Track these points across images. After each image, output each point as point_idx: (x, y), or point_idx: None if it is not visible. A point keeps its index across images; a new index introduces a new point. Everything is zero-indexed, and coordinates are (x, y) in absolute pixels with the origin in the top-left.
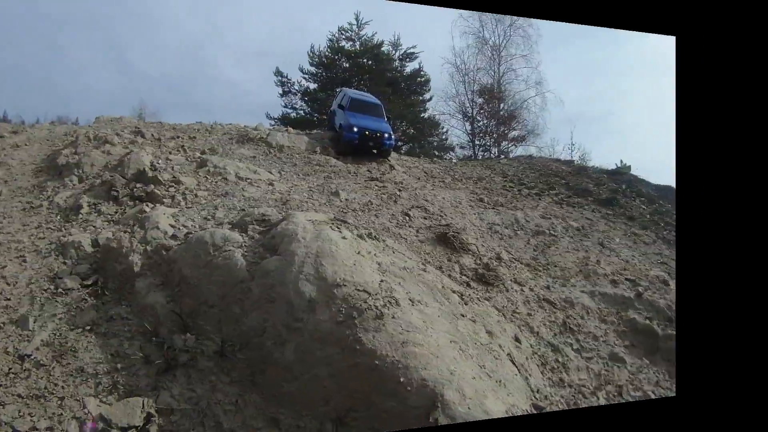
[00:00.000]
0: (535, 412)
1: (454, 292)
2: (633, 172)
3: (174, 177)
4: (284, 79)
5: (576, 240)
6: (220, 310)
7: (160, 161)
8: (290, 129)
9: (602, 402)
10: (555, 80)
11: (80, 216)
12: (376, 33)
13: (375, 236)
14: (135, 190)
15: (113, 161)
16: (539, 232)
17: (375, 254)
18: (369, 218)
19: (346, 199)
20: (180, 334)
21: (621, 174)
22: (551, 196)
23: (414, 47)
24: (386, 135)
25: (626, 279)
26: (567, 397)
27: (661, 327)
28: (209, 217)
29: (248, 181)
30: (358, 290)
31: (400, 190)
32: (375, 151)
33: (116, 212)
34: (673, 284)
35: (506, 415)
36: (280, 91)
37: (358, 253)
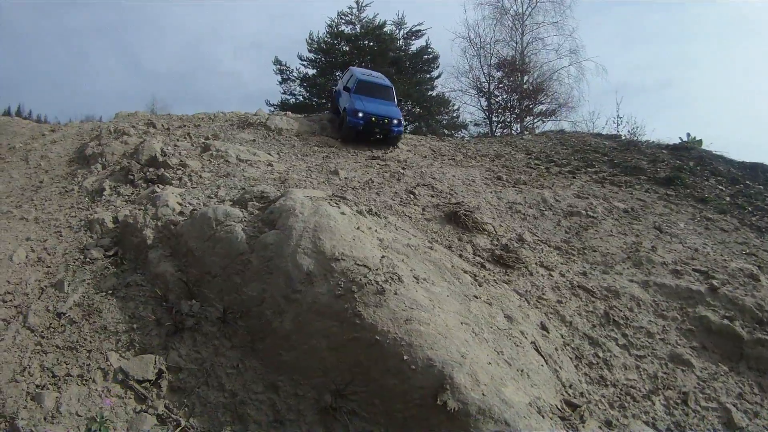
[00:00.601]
0: (567, 408)
1: (465, 272)
2: (708, 148)
3: (181, 161)
4: (283, 67)
5: (623, 223)
6: (223, 279)
7: (169, 148)
8: (289, 113)
9: (659, 408)
10: (596, 48)
11: (103, 197)
12: (377, 14)
13: (376, 212)
14: (148, 173)
15: (130, 150)
16: (573, 213)
17: (376, 230)
18: (370, 196)
19: (346, 178)
20: (186, 300)
21: (688, 149)
22: (589, 175)
23: (420, 24)
24: (395, 121)
25: (694, 270)
26: (610, 397)
27: (748, 330)
28: (212, 195)
29: (248, 162)
30: (358, 265)
31: (404, 168)
32: (381, 137)
33: (132, 193)
34: (765, 279)
35: (530, 408)
36: (279, 79)
37: (358, 228)
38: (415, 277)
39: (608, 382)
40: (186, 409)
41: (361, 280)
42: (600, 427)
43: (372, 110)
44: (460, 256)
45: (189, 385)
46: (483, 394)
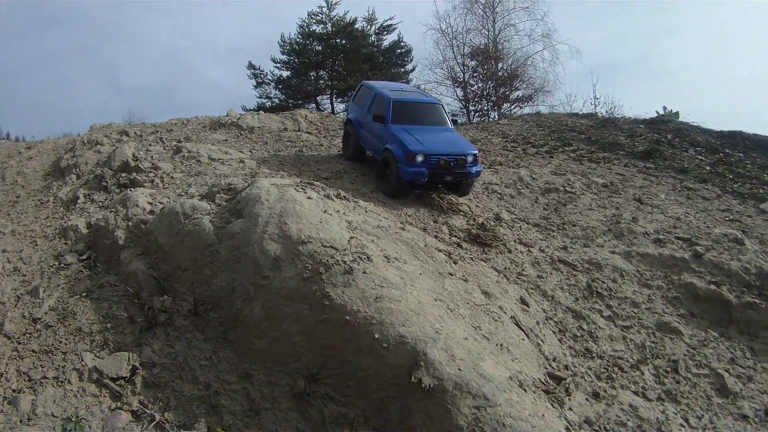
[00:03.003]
0: (551, 382)
1: (440, 251)
2: (685, 119)
3: (153, 164)
4: (257, 71)
5: (602, 197)
6: (193, 272)
7: (141, 152)
8: (261, 112)
9: (648, 377)
10: (570, 29)
11: (78, 205)
12: (348, 11)
13: (344, 197)
14: (120, 179)
15: (103, 158)
16: (550, 190)
17: (344, 213)
18: (343, 185)
19: (318, 169)
20: (159, 297)
21: (665, 122)
22: (567, 153)
23: (391, 18)
24: (470, 158)
25: (677, 238)
26: (597, 369)
27: (736, 294)
28: (183, 193)
29: (220, 161)
30: (325, 246)
31: None
32: (450, 184)
33: (106, 199)
34: (750, 243)
35: (510, 382)
36: (254, 83)
37: (325, 211)
38: (385, 257)
39: (594, 354)
40: (160, 403)
41: (328, 261)
42: (587, 399)
43: (437, 148)
44: (436, 237)
45: (163, 380)
46: (459, 369)
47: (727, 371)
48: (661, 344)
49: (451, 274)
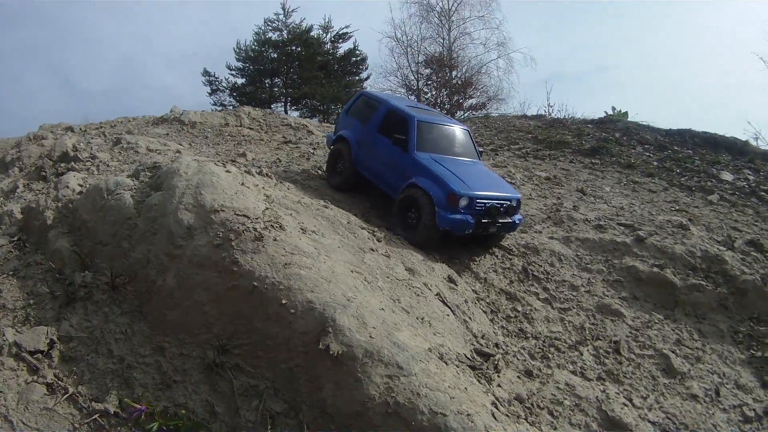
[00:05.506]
0: (478, 358)
1: (363, 228)
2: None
3: (91, 154)
4: (212, 78)
5: (543, 188)
6: (113, 247)
7: (81, 144)
8: (205, 110)
9: (588, 358)
10: (527, 39)
11: (16, 194)
12: (304, 19)
13: (267, 174)
14: (59, 168)
15: (46, 151)
16: None
17: (263, 187)
18: (276, 171)
19: (253, 159)
20: (80, 272)
21: (614, 122)
22: (512, 151)
23: (347, 27)
24: (515, 203)
25: (619, 224)
26: (531, 348)
27: (681, 276)
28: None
29: (157, 151)
30: (237, 215)
31: (314, 149)
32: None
33: (44, 188)
34: (695, 229)
35: (429, 354)
36: (209, 90)
37: (242, 184)
38: (301, 229)
39: (529, 335)
40: (75, 377)
41: (239, 228)
42: (519, 377)
43: (483, 190)
44: (366, 221)
45: (79, 354)
46: (371, 337)
47: (673, 352)
48: (601, 326)
49: (373, 250)
